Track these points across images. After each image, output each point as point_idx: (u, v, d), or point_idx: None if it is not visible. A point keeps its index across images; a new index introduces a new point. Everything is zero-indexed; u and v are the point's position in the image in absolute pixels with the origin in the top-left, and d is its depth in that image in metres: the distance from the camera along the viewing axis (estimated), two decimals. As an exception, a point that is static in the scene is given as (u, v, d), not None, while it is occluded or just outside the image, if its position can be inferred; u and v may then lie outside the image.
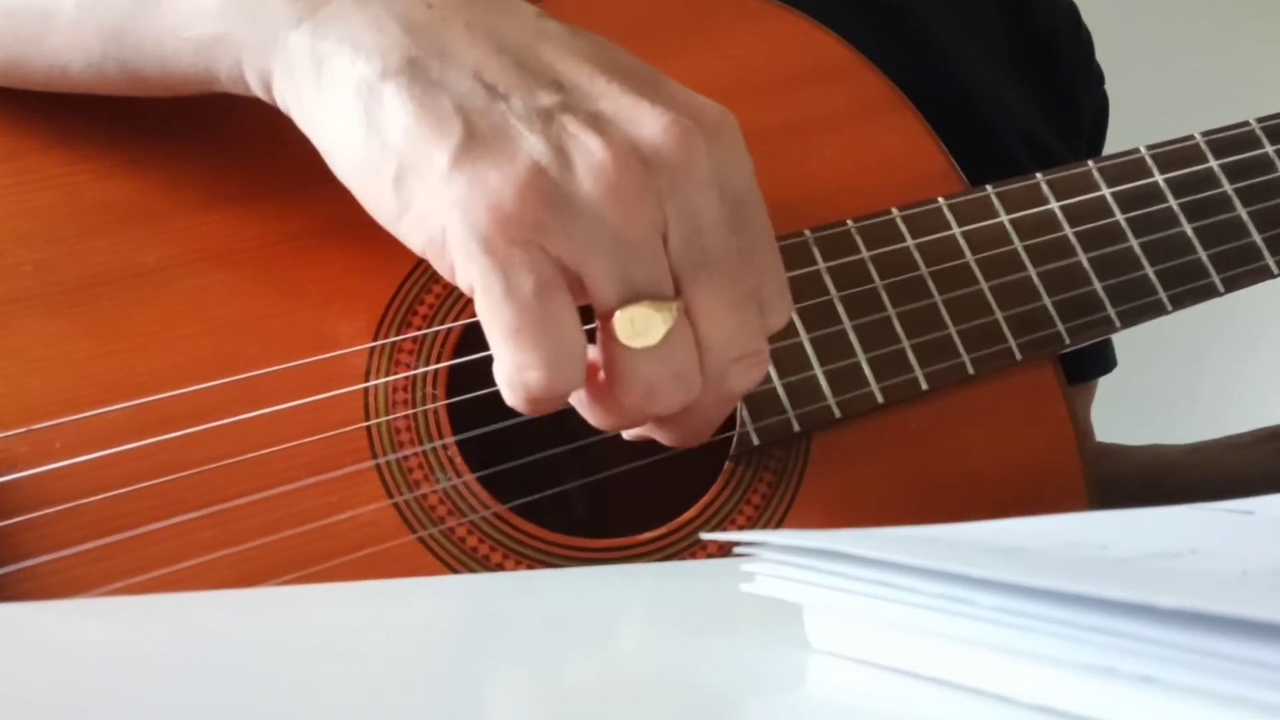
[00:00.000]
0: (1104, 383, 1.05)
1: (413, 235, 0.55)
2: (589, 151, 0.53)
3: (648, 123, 0.54)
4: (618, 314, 0.54)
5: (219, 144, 0.67)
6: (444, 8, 0.57)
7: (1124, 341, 0.96)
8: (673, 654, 0.41)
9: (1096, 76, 1.07)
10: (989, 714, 0.33)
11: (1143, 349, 0.98)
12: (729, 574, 0.42)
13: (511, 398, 0.55)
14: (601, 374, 0.57)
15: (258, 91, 0.60)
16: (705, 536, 0.66)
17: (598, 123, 0.54)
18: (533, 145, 0.53)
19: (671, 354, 0.55)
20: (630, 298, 0.54)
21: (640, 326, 0.54)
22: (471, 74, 0.55)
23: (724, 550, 0.66)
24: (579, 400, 0.58)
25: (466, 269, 0.53)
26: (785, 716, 0.35)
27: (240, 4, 0.59)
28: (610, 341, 0.55)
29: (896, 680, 0.36)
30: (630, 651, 0.42)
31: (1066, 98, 1.02)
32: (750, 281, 0.57)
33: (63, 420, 0.61)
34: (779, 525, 0.68)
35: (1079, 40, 1.06)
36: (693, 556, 0.66)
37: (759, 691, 0.37)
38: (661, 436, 0.61)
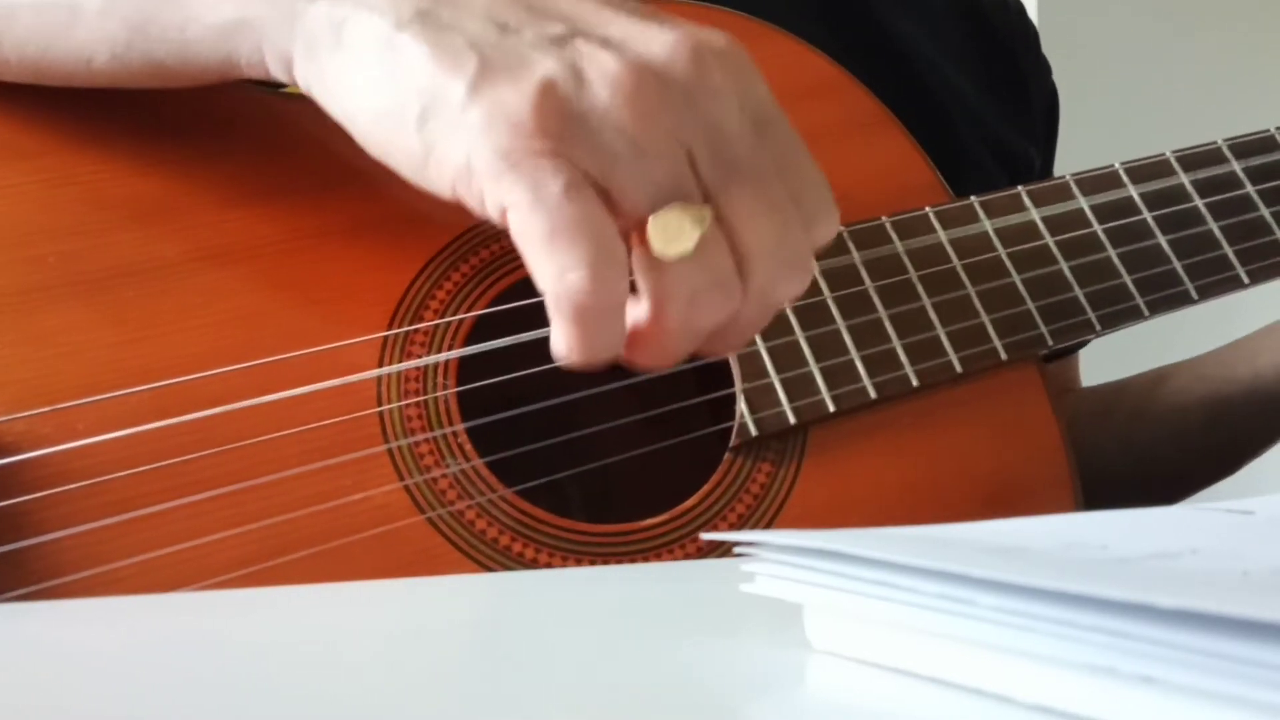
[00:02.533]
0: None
1: (440, 175, 0.52)
2: (603, 67, 0.51)
3: (658, 42, 0.52)
4: (650, 223, 0.51)
5: (239, 146, 0.66)
6: None
7: (1129, 344, 0.94)
8: (673, 654, 0.39)
9: (1044, 68, 1.06)
10: (989, 714, 0.31)
11: (1147, 351, 0.97)
12: (729, 574, 0.41)
13: (560, 315, 0.50)
14: (642, 312, 0.53)
15: (277, 72, 0.58)
16: (706, 537, 0.65)
17: (609, 45, 0.52)
18: (547, 65, 0.51)
19: (708, 259, 0.51)
20: (659, 202, 0.51)
21: (673, 232, 0.50)
22: (482, 15, 0.53)
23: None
24: (626, 347, 0.54)
25: (495, 190, 0.50)
26: (785, 716, 0.33)
27: None
28: (646, 257, 0.51)
29: (896, 680, 0.34)
30: (630, 651, 0.40)
31: (1022, 94, 1.01)
32: (784, 189, 0.53)
33: (86, 400, 0.60)
34: (778, 513, 0.66)
35: (1028, 35, 1.05)
36: (694, 543, 0.65)
37: (759, 691, 0.35)
38: (702, 350, 0.56)
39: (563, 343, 0.51)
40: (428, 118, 0.52)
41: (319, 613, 0.48)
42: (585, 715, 0.32)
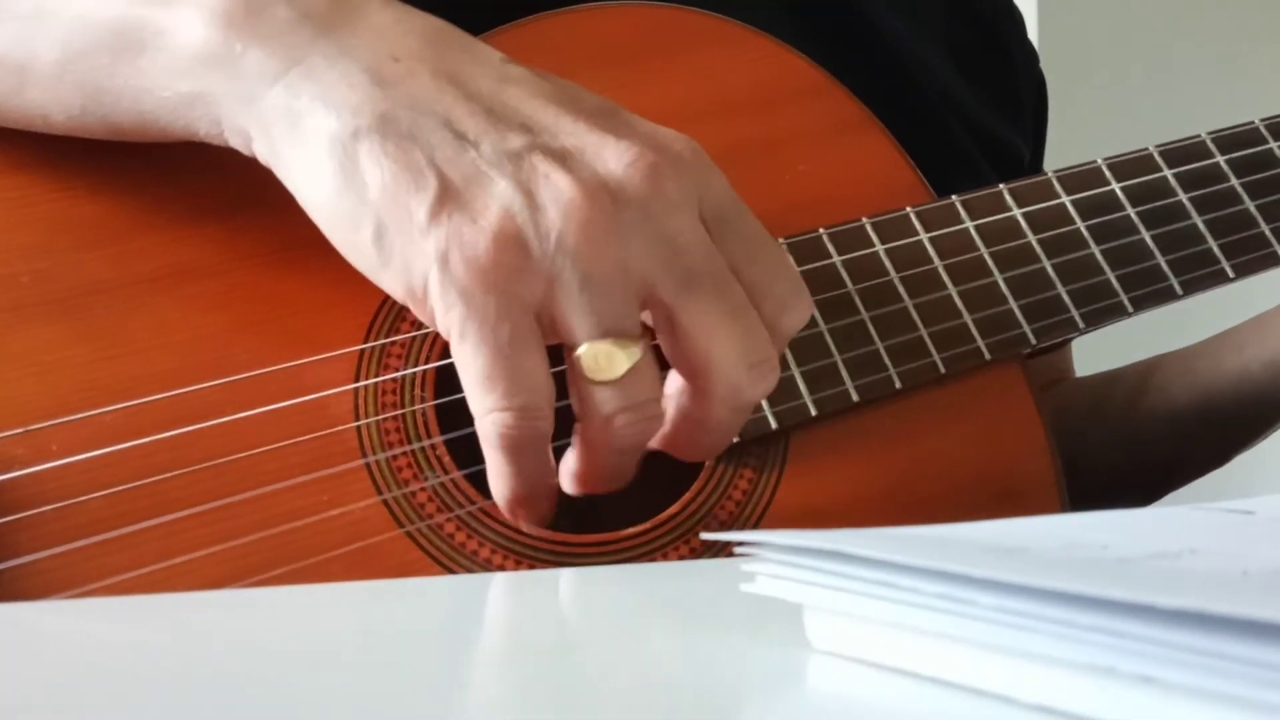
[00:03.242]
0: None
1: (395, 285, 0.55)
2: (558, 191, 0.53)
3: (613, 157, 0.54)
4: (583, 350, 0.54)
5: (212, 162, 0.65)
6: (411, 59, 0.57)
7: (1132, 343, 0.94)
8: (672, 654, 0.39)
9: (1032, 55, 1.06)
10: (989, 714, 0.31)
11: (1144, 346, 0.97)
12: (728, 574, 0.41)
13: (487, 442, 0.55)
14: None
15: (236, 145, 0.59)
16: (706, 537, 0.65)
17: (566, 160, 0.54)
18: (504, 191, 0.53)
19: (629, 388, 0.55)
20: (596, 334, 0.54)
21: (603, 362, 0.54)
22: (441, 123, 0.55)
23: (706, 545, 0.65)
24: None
25: (446, 317, 0.53)
26: (785, 716, 0.33)
27: (216, 62, 0.58)
28: (576, 375, 0.55)
29: (896, 680, 0.34)
30: (629, 651, 0.40)
31: (1011, 85, 1.01)
32: (745, 288, 0.56)
33: (59, 421, 0.60)
34: (759, 520, 0.67)
35: (1014, 20, 1.05)
36: (675, 551, 0.65)
37: (759, 691, 0.35)
38: (677, 454, 0.61)
39: (495, 471, 0.56)
40: (384, 233, 0.54)
41: (311, 612, 0.48)
42: (584, 715, 0.32)
